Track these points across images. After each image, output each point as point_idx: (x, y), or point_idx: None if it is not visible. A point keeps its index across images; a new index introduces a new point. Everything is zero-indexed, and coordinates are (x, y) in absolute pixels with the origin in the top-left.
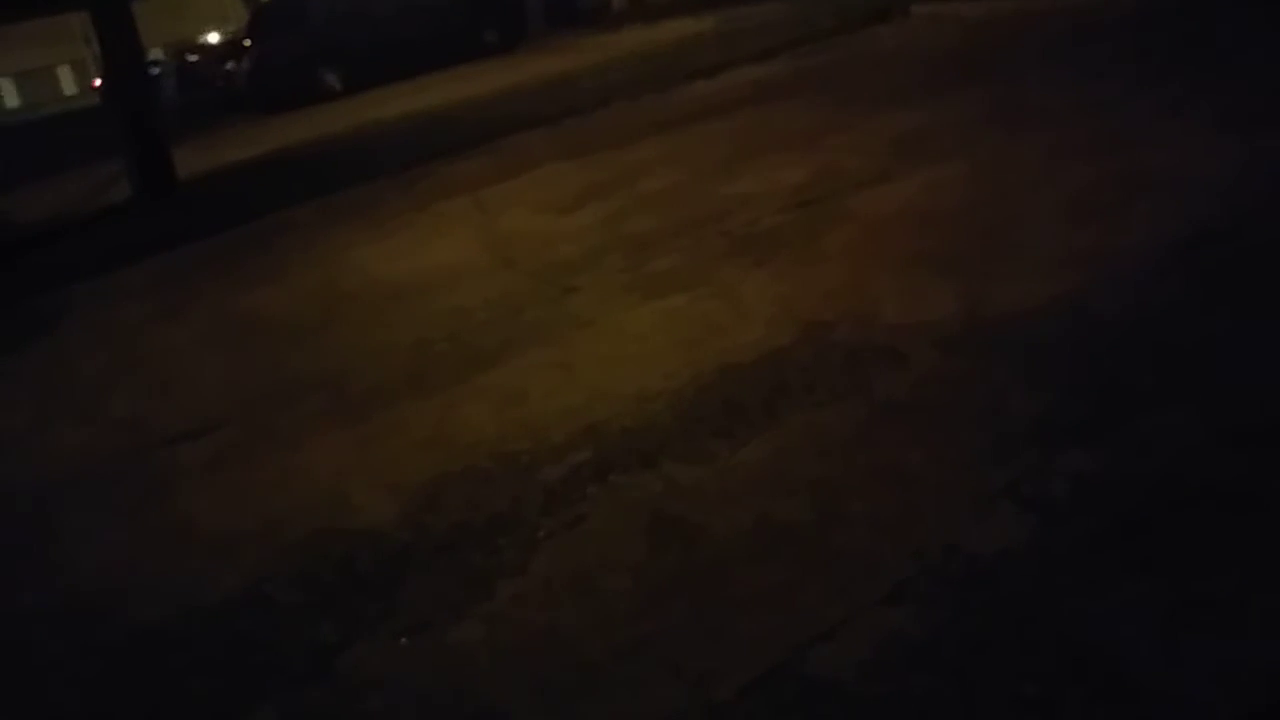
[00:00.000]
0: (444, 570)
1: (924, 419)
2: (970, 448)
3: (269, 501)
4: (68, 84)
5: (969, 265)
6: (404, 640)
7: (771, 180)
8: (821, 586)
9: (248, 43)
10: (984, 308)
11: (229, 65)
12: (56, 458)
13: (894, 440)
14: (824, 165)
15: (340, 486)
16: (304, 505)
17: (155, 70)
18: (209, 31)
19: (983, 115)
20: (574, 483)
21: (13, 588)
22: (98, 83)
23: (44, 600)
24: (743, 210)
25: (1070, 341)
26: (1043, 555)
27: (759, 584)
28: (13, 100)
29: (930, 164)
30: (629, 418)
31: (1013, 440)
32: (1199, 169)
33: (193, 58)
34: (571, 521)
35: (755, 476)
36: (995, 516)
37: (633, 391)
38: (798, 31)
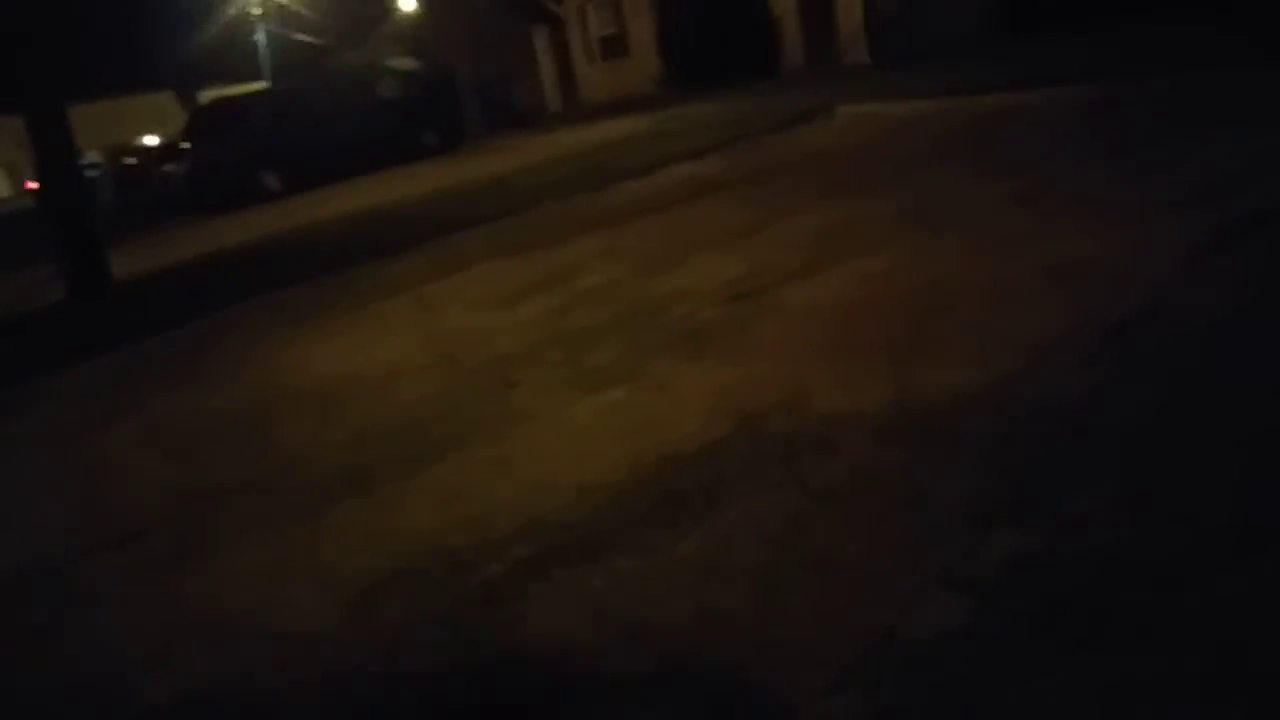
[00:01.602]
0: (384, 676)
1: (858, 506)
2: (904, 534)
3: (201, 608)
4: (2, 186)
5: (898, 354)
6: None
7: (705, 275)
8: (764, 677)
9: (186, 145)
10: (914, 396)
11: (167, 167)
12: None
13: (830, 528)
14: (756, 260)
15: (278, 591)
16: (239, 610)
17: (92, 173)
18: (147, 135)
19: (906, 210)
20: (515, 579)
21: None
22: (31, 185)
23: None
24: (678, 305)
25: (999, 427)
26: (980, 638)
27: (700, 677)
28: None
29: (857, 257)
30: (570, 511)
31: (946, 525)
32: (1114, 258)
33: (130, 160)
34: (513, 620)
35: (696, 567)
36: (931, 601)
37: (573, 484)
38: (729, 131)
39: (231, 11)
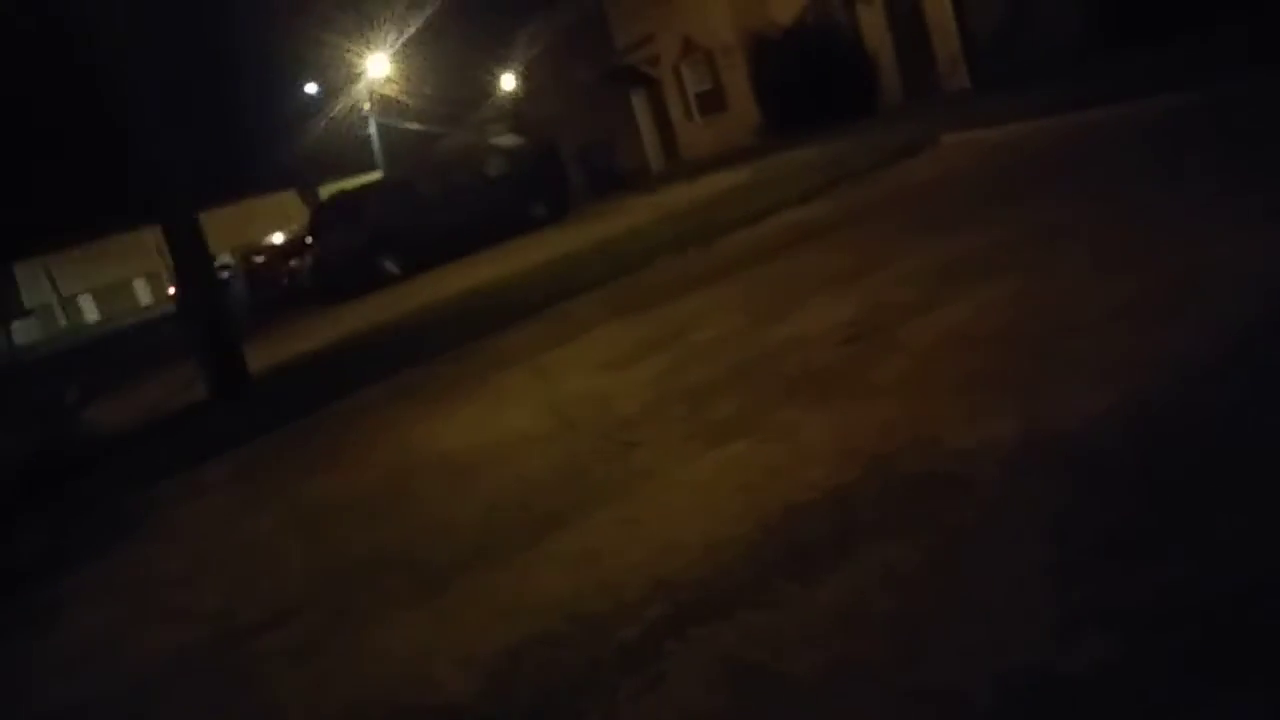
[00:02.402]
0: None
1: (994, 543)
2: (1046, 568)
3: (351, 683)
4: (143, 295)
5: (1023, 383)
6: None
7: (821, 319)
8: None
9: (310, 239)
10: (1042, 423)
11: (293, 262)
12: (147, 658)
13: (968, 568)
14: (870, 299)
15: (421, 663)
16: (385, 685)
17: (225, 274)
18: (273, 233)
19: (1020, 235)
20: (651, 639)
21: None
22: (172, 291)
23: None
24: (795, 351)
25: (1133, 450)
26: (1133, 674)
27: None
28: (92, 314)
29: (975, 287)
30: (700, 568)
31: (1088, 557)
32: (1239, 266)
33: (259, 258)
34: (652, 680)
35: (831, 616)
36: (1079, 637)
37: (701, 541)
38: (833, 172)
39: (343, 107)
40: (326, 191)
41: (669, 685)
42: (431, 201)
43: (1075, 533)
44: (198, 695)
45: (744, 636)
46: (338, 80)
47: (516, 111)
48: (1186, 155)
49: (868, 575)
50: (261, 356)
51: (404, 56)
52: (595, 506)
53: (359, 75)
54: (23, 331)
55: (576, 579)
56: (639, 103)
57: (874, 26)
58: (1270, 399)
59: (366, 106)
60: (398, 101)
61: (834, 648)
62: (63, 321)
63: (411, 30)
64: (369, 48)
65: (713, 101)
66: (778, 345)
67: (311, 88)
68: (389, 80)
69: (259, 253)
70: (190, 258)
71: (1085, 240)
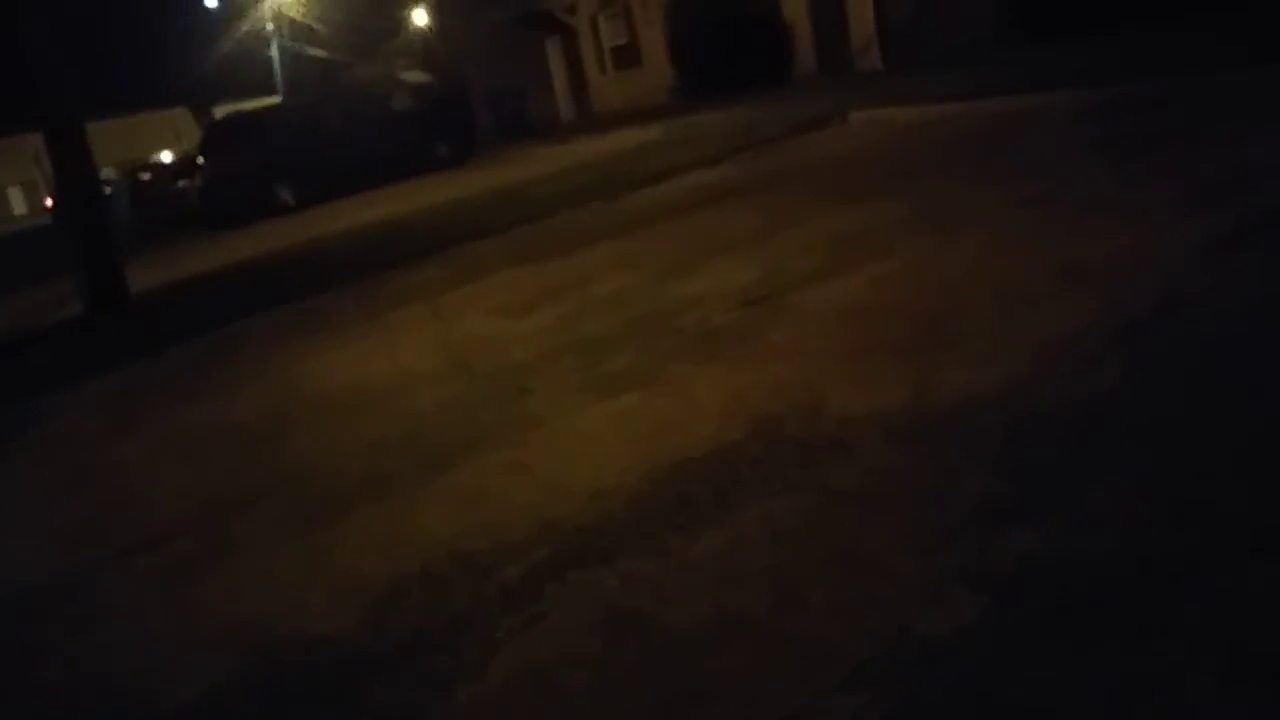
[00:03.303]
0: (403, 674)
1: (874, 507)
2: (920, 533)
3: (226, 611)
4: (18, 205)
5: (913, 356)
6: None
7: (720, 280)
8: (780, 674)
9: (201, 160)
10: (929, 397)
11: (182, 183)
12: (12, 573)
13: (845, 529)
14: (770, 264)
15: (298, 594)
16: (261, 613)
17: (108, 189)
18: (162, 151)
19: (919, 214)
20: (532, 581)
21: None
22: (49, 202)
23: None
24: (693, 310)
25: (1014, 426)
26: (995, 634)
27: (717, 674)
28: None
29: (871, 261)
30: (585, 515)
31: (962, 523)
32: (1127, 258)
33: (145, 176)
34: (530, 620)
35: (711, 568)
36: (946, 598)
37: (588, 489)
38: (741, 139)
39: (245, 28)
40: (221, 112)
41: (547, 626)
42: (332, 132)
43: (951, 500)
44: (66, 613)
45: (624, 583)
46: None
47: (427, 49)
48: (1090, 145)
49: (748, 530)
50: (143, 278)
51: None
52: (483, 449)
53: None
54: None
55: (461, 519)
56: (553, 51)
57: None
58: (1129, 375)
59: (270, 27)
60: (304, 26)
61: (711, 599)
62: None
63: None
64: None
65: (628, 56)
66: (676, 303)
67: (213, 2)
68: (296, 1)
69: (146, 170)
70: (73, 168)
71: (980, 221)
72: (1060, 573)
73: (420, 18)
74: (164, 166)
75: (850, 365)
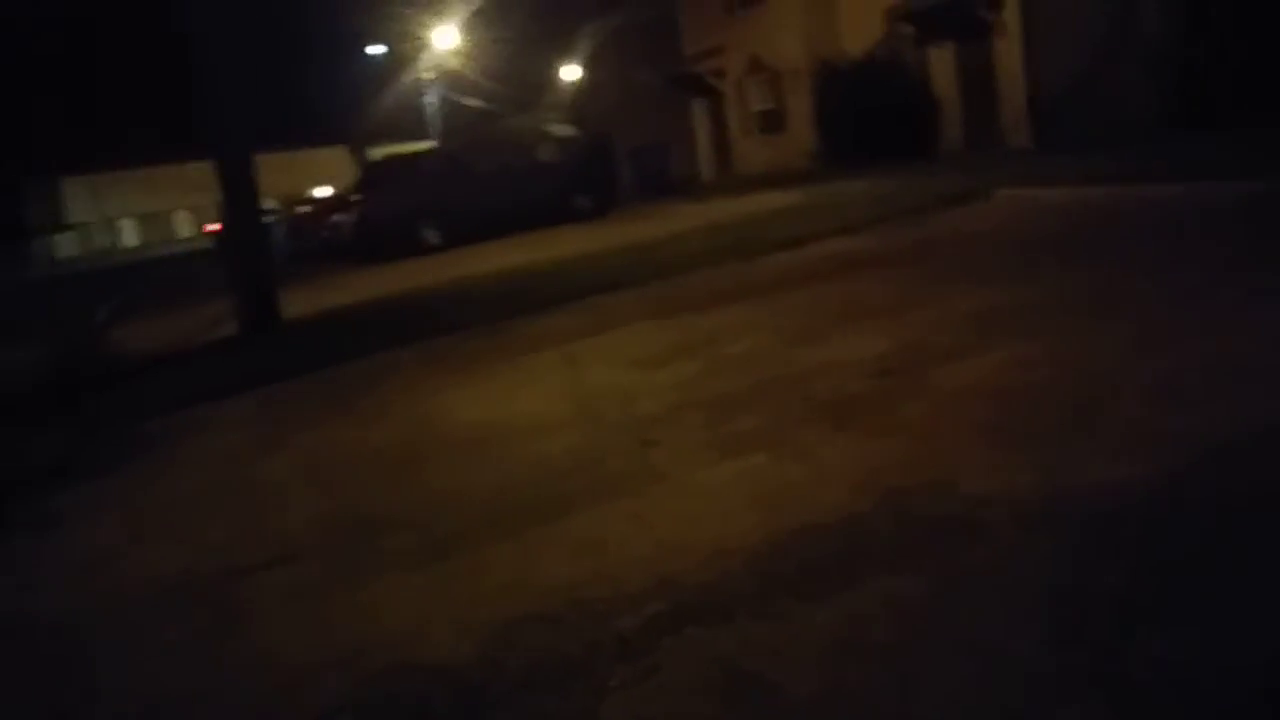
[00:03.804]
0: (516, 712)
1: (1002, 594)
2: (1050, 625)
3: (348, 633)
4: (183, 227)
5: (1049, 442)
6: None
7: (853, 349)
8: None
9: (356, 197)
10: (1064, 484)
11: (336, 217)
12: (143, 580)
13: (971, 613)
14: (906, 338)
15: (419, 623)
16: (382, 639)
17: (268, 219)
18: (320, 186)
19: (1065, 298)
20: (648, 633)
21: (93, 700)
22: (212, 227)
23: (125, 715)
24: (824, 377)
25: (1153, 521)
26: None
27: None
28: (132, 239)
29: (1012, 342)
30: (705, 572)
31: (1093, 619)
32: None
33: (303, 209)
34: (645, 671)
35: (831, 639)
36: (1075, 700)
37: (709, 547)
38: (882, 208)
39: (406, 75)
40: (377, 153)
41: (661, 680)
42: (480, 178)
43: (1079, 592)
44: (190, 621)
45: (742, 645)
46: (404, 46)
47: (576, 103)
48: (1240, 240)
49: (871, 605)
50: (295, 304)
51: (472, 32)
52: (606, 498)
53: (426, 44)
54: (63, 245)
55: (580, 565)
56: (699, 112)
57: (943, 72)
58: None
59: (429, 76)
60: (460, 76)
61: (830, 671)
62: (102, 241)
63: (482, 3)
64: (439, 18)
65: (772, 121)
66: (807, 369)
67: (378, 50)
68: (454, 53)
69: (304, 203)
70: (239, 194)
71: (1129, 313)
72: (1194, 684)
73: (571, 73)
74: (321, 201)
75: (985, 446)
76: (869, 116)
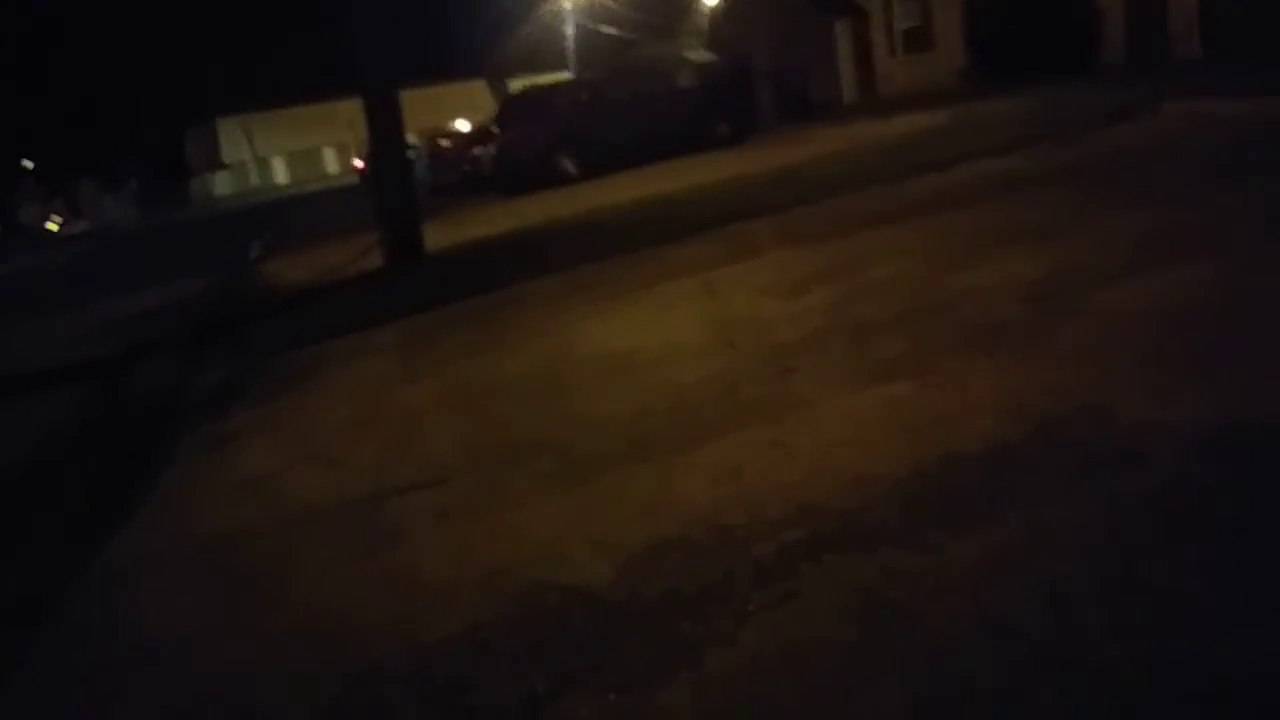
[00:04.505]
0: (654, 633)
1: (1166, 527)
2: (1221, 561)
3: (492, 553)
4: (331, 164)
5: (1222, 371)
6: (612, 697)
7: (1005, 273)
8: (1051, 696)
9: (495, 130)
10: (1241, 414)
11: (476, 151)
12: (301, 499)
13: (1131, 547)
14: (1062, 261)
15: (560, 544)
16: (525, 559)
17: (411, 153)
18: (460, 120)
19: (1236, 218)
20: (787, 560)
21: (257, 613)
22: (358, 164)
23: (281, 626)
24: (973, 302)
25: None
26: None
27: (979, 684)
28: (282, 176)
29: (1179, 264)
30: (845, 500)
31: (1272, 555)
32: None
33: (444, 143)
34: (783, 597)
35: (977, 570)
36: (1243, 637)
37: (850, 474)
38: (1037, 127)
39: (545, 5)
40: (516, 85)
41: (800, 606)
42: (617, 107)
43: (1262, 531)
44: (346, 538)
45: (883, 572)
46: None
47: (714, 28)
48: None
49: (1021, 537)
50: (438, 236)
51: None
52: (746, 424)
53: None
54: (220, 184)
55: (718, 490)
56: (841, 32)
57: None
58: None
59: (568, 6)
60: (598, 4)
61: (974, 602)
62: (255, 179)
63: None
64: None
65: (919, 39)
66: (955, 293)
67: None
68: None
69: (445, 137)
70: (384, 131)
71: None
72: None
73: None
74: (462, 134)
75: (1148, 373)
76: (1022, 30)
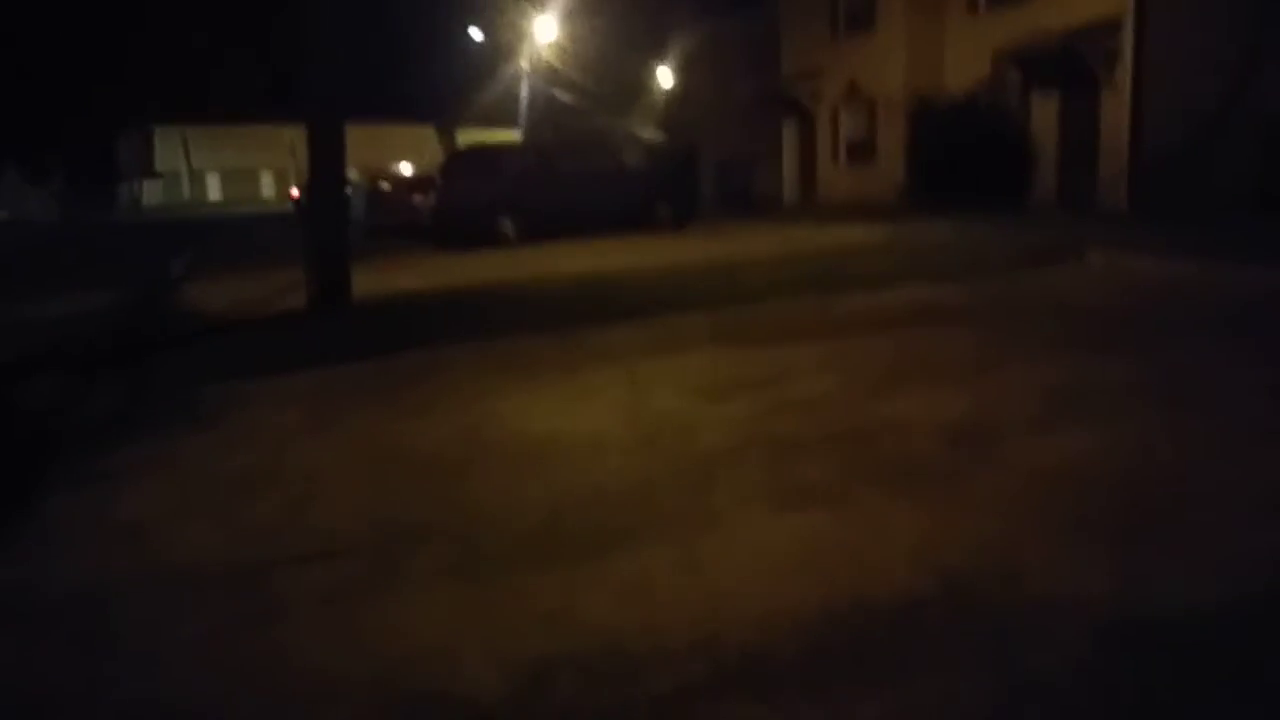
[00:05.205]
0: None
1: (1068, 712)
2: None
3: (379, 649)
4: (267, 187)
5: (1131, 544)
6: None
7: (926, 408)
8: None
9: (439, 180)
10: (1148, 597)
11: (416, 198)
12: (180, 555)
13: None
14: (983, 404)
15: (452, 649)
16: (413, 660)
17: (348, 189)
18: (404, 163)
19: (1158, 381)
20: (684, 698)
21: (89, 690)
22: (294, 192)
23: (118, 704)
24: (894, 434)
25: (1242, 649)
26: None
27: None
28: (216, 194)
29: (1096, 424)
30: (753, 635)
31: None
32: None
33: (385, 185)
34: None
35: None
36: None
37: (758, 609)
38: (970, 258)
39: (503, 63)
40: (464, 137)
41: None
42: (563, 177)
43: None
44: (221, 609)
45: None
46: (504, 33)
47: (667, 110)
48: None
49: (926, 704)
50: (367, 283)
51: (572, 26)
52: (660, 538)
53: (525, 34)
54: (149, 192)
55: (623, 610)
56: (789, 133)
57: (1045, 121)
58: None
59: (525, 65)
60: (555, 69)
61: None
62: (186, 192)
63: None
64: (540, 8)
65: (862, 150)
66: (878, 423)
67: (476, 34)
68: (552, 46)
69: (387, 179)
70: (325, 162)
71: (1224, 404)
72: None
73: (665, 78)
74: (404, 178)
75: (1061, 537)
76: (962, 158)
